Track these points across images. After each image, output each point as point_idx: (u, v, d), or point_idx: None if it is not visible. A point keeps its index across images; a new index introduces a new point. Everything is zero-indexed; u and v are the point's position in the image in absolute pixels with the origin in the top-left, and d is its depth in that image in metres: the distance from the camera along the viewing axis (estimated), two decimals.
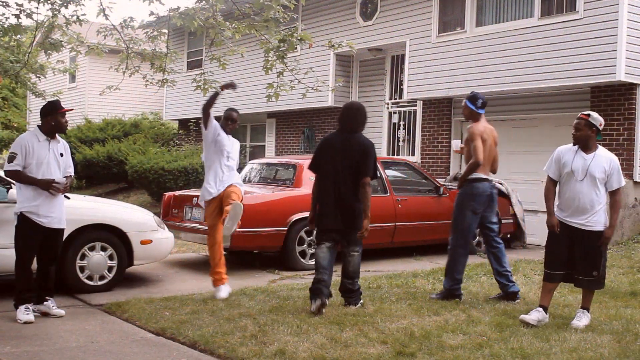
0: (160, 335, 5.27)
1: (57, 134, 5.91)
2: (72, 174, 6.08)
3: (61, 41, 9.54)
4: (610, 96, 10.21)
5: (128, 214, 7.29)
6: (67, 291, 6.67)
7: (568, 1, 10.36)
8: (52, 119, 5.80)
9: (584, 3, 9.96)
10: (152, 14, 7.85)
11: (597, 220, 5.49)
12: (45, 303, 5.81)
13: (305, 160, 8.66)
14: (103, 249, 6.85)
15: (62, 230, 5.93)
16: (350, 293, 6.11)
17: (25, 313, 5.60)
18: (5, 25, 8.75)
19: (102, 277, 6.85)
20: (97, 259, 6.83)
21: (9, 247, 6.31)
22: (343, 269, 6.13)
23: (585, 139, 5.54)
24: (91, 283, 6.81)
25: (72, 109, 6.31)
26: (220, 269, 6.62)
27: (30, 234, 5.69)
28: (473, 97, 6.65)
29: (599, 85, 10.17)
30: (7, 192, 6.34)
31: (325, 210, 6.02)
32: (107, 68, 9.49)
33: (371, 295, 6.57)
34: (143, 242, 7.11)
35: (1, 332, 5.28)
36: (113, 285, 6.92)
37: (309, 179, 7.83)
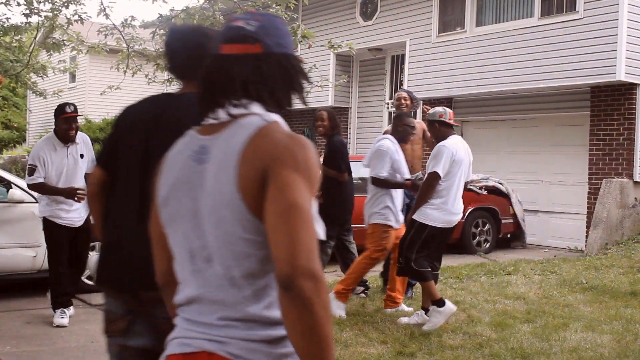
0: None
1: (75, 137, 5.56)
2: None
3: (62, 41, 9.54)
4: (611, 96, 10.20)
5: None
6: None
7: (568, 1, 10.35)
8: (56, 122, 5.50)
9: (584, 3, 9.96)
10: (160, 16, 7.88)
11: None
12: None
13: None
14: None
15: (88, 223, 5.54)
16: None
17: (60, 317, 5.50)
18: (6, 25, 8.75)
19: None
20: (98, 259, 6.81)
21: (9, 247, 6.32)
22: None
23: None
24: (91, 283, 6.79)
25: (77, 114, 5.62)
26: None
27: (56, 235, 5.50)
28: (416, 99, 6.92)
29: (599, 85, 10.16)
30: (7, 192, 6.34)
31: None
32: (107, 68, 9.49)
33: (371, 295, 6.57)
34: None
35: (1, 332, 5.29)
36: None
37: None
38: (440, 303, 5.23)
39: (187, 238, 1.56)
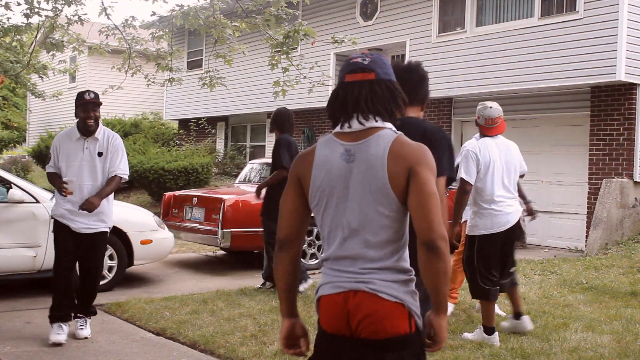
0: (160, 335, 5.27)
1: (96, 130, 5.07)
2: (118, 174, 5.14)
3: (62, 41, 9.54)
4: (611, 96, 10.20)
5: (128, 214, 7.29)
6: None
7: (568, 1, 10.35)
8: (76, 112, 5.03)
9: (584, 3, 9.96)
10: (153, 14, 7.87)
11: None
12: (74, 320, 5.19)
13: None
14: None
15: (96, 238, 5.14)
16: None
17: (56, 332, 4.99)
18: (6, 26, 8.74)
19: (102, 277, 6.84)
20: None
21: (9, 247, 6.32)
22: None
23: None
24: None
25: (98, 102, 5.06)
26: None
27: (61, 237, 5.08)
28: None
29: (599, 85, 10.16)
30: (7, 192, 6.34)
31: None
32: (107, 68, 9.51)
33: None
34: (143, 242, 7.11)
35: (1, 332, 5.29)
36: (113, 285, 6.92)
37: None
38: (490, 330, 4.95)
39: (340, 214, 2.19)
